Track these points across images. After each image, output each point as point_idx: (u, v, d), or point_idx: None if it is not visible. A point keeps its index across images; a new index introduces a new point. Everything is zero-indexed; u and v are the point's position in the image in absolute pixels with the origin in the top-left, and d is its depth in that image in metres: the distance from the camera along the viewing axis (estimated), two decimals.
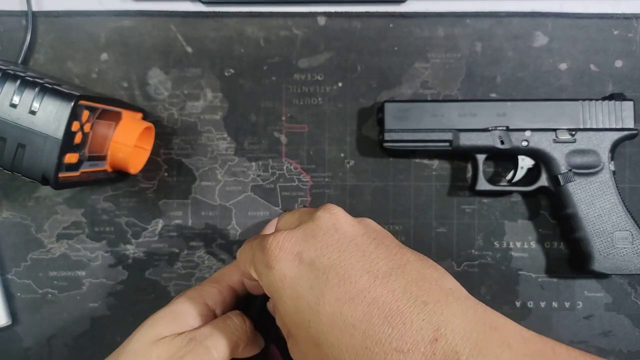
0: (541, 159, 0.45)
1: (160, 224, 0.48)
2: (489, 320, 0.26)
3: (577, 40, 0.48)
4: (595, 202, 0.44)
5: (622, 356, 0.47)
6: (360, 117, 0.48)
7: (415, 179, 0.48)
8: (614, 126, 0.44)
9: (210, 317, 0.35)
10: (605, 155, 0.44)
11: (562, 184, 0.44)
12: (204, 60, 0.48)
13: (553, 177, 0.45)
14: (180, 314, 0.34)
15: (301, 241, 0.29)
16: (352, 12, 0.48)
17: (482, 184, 0.46)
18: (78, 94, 0.35)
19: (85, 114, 0.37)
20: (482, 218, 0.48)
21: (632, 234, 0.44)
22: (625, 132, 0.44)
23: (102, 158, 0.42)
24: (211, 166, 0.48)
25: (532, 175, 0.46)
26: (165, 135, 0.48)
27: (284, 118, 0.48)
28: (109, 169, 0.44)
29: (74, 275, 0.47)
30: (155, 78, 0.48)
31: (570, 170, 0.44)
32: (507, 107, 0.45)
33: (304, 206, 0.48)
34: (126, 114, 0.44)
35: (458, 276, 0.47)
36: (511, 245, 0.48)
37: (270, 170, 0.48)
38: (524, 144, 0.45)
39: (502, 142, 0.45)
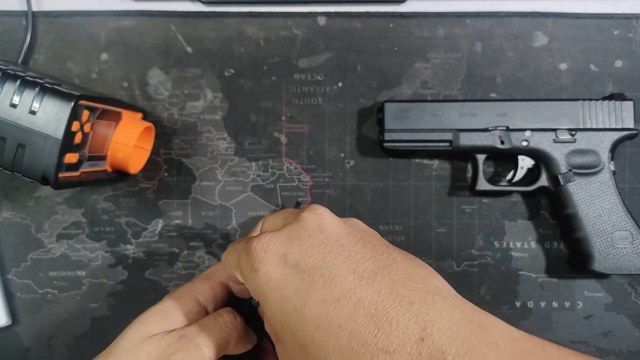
0: (541, 159, 0.45)
1: (160, 224, 0.48)
2: (476, 319, 0.25)
3: (577, 40, 0.48)
4: (595, 202, 0.44)
5: (622, 356, 0.47)
6: (360, 117, 0.48)
7: (415, 179, 0.48)
8: (614, 126, 0.44)
9: (201, 314, 0.35)
10: (605, 155, 0.44)
11: (562, 184, 0.44)
12: (204, 60, 0.48)
13: (553, 177, 0.45)
14: (171, 312, 0.34)
15: (286, 243, 0.29)
16: (352, 12, 0.48)
17: (482, 184, 0.46)
18: (78, 93, 0.35)
19: (85, 114, 0.37)
20: (482, 218, 0.48)
21: (632, 234, 0.44)
22: (625, 132, 0.44)
23: (102, 158, 0.42)
24: (211, 166, 0.48)
25: (532, 175, 0.46)
26: (165, 135, 0.48)
27: (284, 118, 0.48)
28: (109, 169, 0.44)
29: (74, 275, 0.47)
30: (155, 78, 0.48)
31: (570, 170, 0.44)
32: (507, 107, 0.45)
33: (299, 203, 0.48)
34: (126, 114, 0.44)
35: (458, 276, 0.47)
36: (511, 245, 0.48)
37: (270, 170, 0.48)
38: (524, 144, 0.45)
39: (502, 142, 0.45)
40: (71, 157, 0.37)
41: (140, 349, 0.32)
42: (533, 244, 0.48)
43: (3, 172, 0.38)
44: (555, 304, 0.47)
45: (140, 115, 0.46)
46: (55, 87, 0.35)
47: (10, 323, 0.47)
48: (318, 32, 0.48)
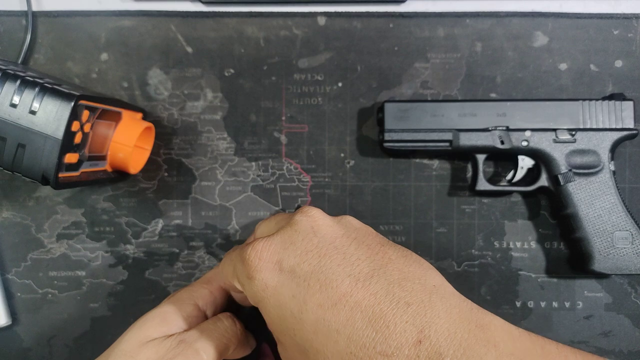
0: (541, 159, 0.45)
1: (160, 224, 0.48)
2: (474, 318, 0.25)
3: (577, 40, 0.48)
4: (595, 202, 0.44)
5: (622, 356, 0.47)
6: (360, 117, 0.48)
7: (415, 179, 0.48)
8: (614, 126, 0.44)
9: (200, 318, 0.35)
10: (605, 155, 0.44)
11: (562, 184, 0.44)
12: (204, 60, 0.48)
13: (553, 177, 0.45)
14: (170, 316, 0.34)
15: (280, 249, 0.29)
16: (352, 12, 0.48)
17: (482, 184, 0.46)
18: (78, 93, 0.35)
19: (85, 113, 0.37)
20: (482, 218, 0.48)
21: (632, 234, 0.44)
22: (625, 132, 0.44)
23: (102, 158, 0.42)
24: (211, 166, 0.48)
25: (532, 175, 0.46)
26: (165, 135, 0.48)
27: (284, 118, 0.48)
28: (109, 169, 0.44)
29: (74, 275, 0.47)
30: (155, 78, 0.48)
31: (570, 170, 0.44)
32: (507, 107, 0.45)
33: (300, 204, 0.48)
34: (126, 114, 0.44)
35: (458, 276, 0.47)
36: (511, 245, 0.48)
37: (270, 170, 0.48)
38: (524, 144, 0.45)
39: (502, 142, 0.45)
40: (71, 157, 0.37)
41: (139, 353, 0.32)
42: (533, 244, 0.48)
43: (3, 172, 0.38)
44: (555, 304, 0.47)
45: (140, 115, 0.46)
46: (55, 87, 0.35)
47: (10, 323, 0.47)
48: (318, 32, 0.48)
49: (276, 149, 0.48)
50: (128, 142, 0.42)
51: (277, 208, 0.48)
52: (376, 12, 0.48)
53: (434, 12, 0.48)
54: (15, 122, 0.35)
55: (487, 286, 0.47)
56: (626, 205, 0.44)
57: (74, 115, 0.35)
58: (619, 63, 0.48)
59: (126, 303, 0.47)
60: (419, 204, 0.48)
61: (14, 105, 0.35)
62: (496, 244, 0.48)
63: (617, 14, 0.47)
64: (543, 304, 0.47)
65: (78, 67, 0.48)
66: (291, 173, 0.48)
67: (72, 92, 0.35)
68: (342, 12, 0.48)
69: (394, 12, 0.48)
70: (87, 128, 0.38)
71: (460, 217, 0.48)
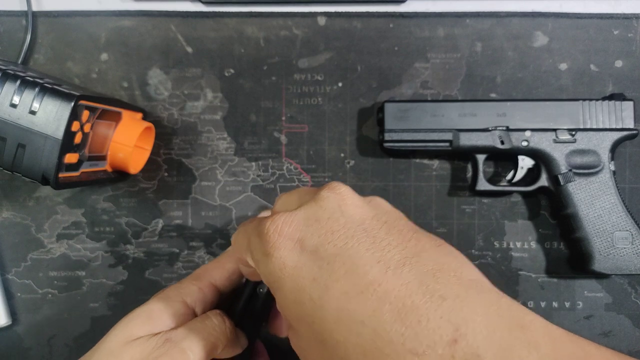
0: (541, 159, 0.45)
1: (160, 224, 0.48)
2: (515, 317, 0.22)
3: (577, 40, 0.48)
4: (595, 202, 0.44)
5: None
6: (360, 117, 0.48)
7: (415, 179, 0.48)
8: (614, 126, 0.44)
9: (189, 316, 0.34)
10: (605, 155, 0.44)
11: (562, 184, 0.44)
12: (204, 60, 0.48)
13: (553, 177, 0.45)
14: (156, 314, 0.33)
15: (303, 226, 0.26)
16: (352, 12, 0.48)
17: (482, 184, 0.46)
18: (78, 94, 0.35)
19: (85, 114, 0.37)
20: (482, 218, 0.48)
21: (632, 234, 0.44)
22: (626, 132, 0.44)
23: (102, 158, 0.42)
24: (211, 166, 0.48)
25: (532, 175, 0.46)
26: (165, 135, 0.48)
27: (284, 118, 0.48)
28: (109, 169, 0.44)
29: (74, 275, 0.47)
30: (155, 78, 0.48)
31: (570, 170, 0.44)
32: (507, 107, 0.45)
33: None
34: (126, 114, 0.44)
35: None
36: (511, 245, 0.48)
37: (270, 170, 0.48)
38: (524, 144, 0.45)
39: (502, 142, 0.45)
40: (71, 157, 0.37)
41: (123, 352, 0.30)
42: (533, 244, 0.48)
43: (3, 172, 0.38)
44: (555, 304, 0.47)
45: (140, 115, 0.46)
46: (55, 87, 0.35)
47: (10, 323, 0.47)
48: (318, 32, 0.48)
49: (276, 149, 0.48)
50: (128, 142, 0.42)
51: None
52: (376, 12, 0.48)
53: (434, 12, 0.48)
54: (15, 122, 0.35)
55: None
56: (626, 205, 0.44)
57: (74, 116, 0.35)
58: (619, 63, 0.48)
59: (126, 303, 0.47)
60: (419, 204, 0.48)
61: (14, 106, 0.35)
62: (496, 244, 0.48)
63: (617, 14, 0.47)
64: (543, 304, 0.47)
65: (78, 67, 0.48)
66: (291, 173, 0.48)
67: (72, 92, 0.35)
68: (342, 12, 0.48)
69: (394, 12, 0.48)
70: (87, 128, 0.38)
71: (460, 217, 0.48)
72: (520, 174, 0.46)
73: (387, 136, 0.45)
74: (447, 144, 0.45)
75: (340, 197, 0.27)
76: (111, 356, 0.31)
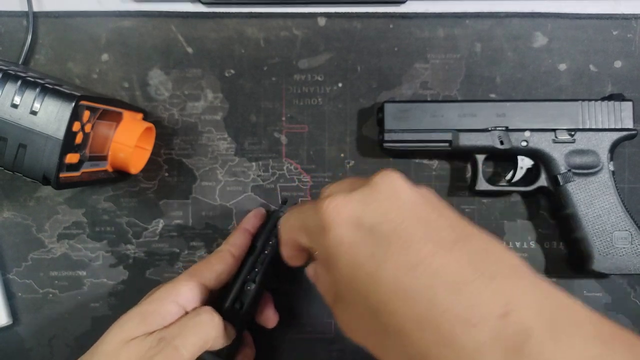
0: (540, 159, 0.45)
1: (160, 224, 0.48)
2: (559, 298, 0.24)
3: (576, 41, 0.48)
4: (594, 202, 0.44)
5: None
6: (360, 118, 0.48)
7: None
8: (613, 126, 0.44)
9: (181, 314, 0.36)
10: (604, 155, 0.44)
11: (561, 184, 0.44)
12: (204, 60, 0.48)
13: (552, 177, 0.45)
14: (150, 314, 0.34)
15: (361, 205, 0.28)
16: (352, 13, 0.48)
17: (482, 184, 0.46)
18: (79, 94, 0.35)
19: (86, 114, 0.38)
20: (481, 218, 0.48)
21: (631, 234, 0.44)
22: (625, 133, 0.44)
23: (103, 158, 0.42)
24: (211, 166, 0.48)
25: (531, 175, 0.46)
26: (165, 135, 0.48)
27: (284, 118, 0.48)
28: (110, 169, 0.44)
29: (74, 275, 0.47)
30: (155, 78, 0.48)
31: (569, 170, 0.44)
32: (507, 108, 0.45)
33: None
34: (127, 115, 0.44)
35: None
36: (511, 245, 0.48)
37: (270, 171, 0.48)
38: (524, 144, 0.45)
39: (501, 143, 0.45)
40: (72, 157, 0.37)
41: (120, 352, 0.32)
42: (532, 244, 0.48)
43: (4, 172, 0.38)
44: None
45: (140, 115, 0.46)
46: (56, 87, 0.35)
47: (11, 323, 0.47)
48: (318, 32, 0.48)
49: (276, 149, 0.48)
50: (129, 143, 0.42)
51: (274, 207, 0.48)
52: (376, 13, 0.48)
53: (434, 13, 0.48)
54: (16, 122, 0.35)
55: None
56: (625, 205, 0.44)
57: (75, 116, 0.35)
58: (618, 63, 0.48)
59: (127, 303, 0.47)
60: None
61: (15, 106, 0.35)
62: None
63: (616, 14, 0.48)
64: None
65: (79, 67, 0.48)
66: (291, 173, 0.48)
67: (72, 92, 0.36)
68: (342, 13, 0.48)
69: (394, 13, 0.48)
70: (88, 128, 0.38)
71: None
72: (519, 174, 0.46)
73: (387, 136, 0.45)
74: (447, 144, 0.45)
75: (395, 182, 0.29)
76: (109, 357, 0.32)
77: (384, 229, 0.27)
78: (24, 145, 0.35)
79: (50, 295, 0.47)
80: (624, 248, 0.44)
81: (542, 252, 0.48)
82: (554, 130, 0.45)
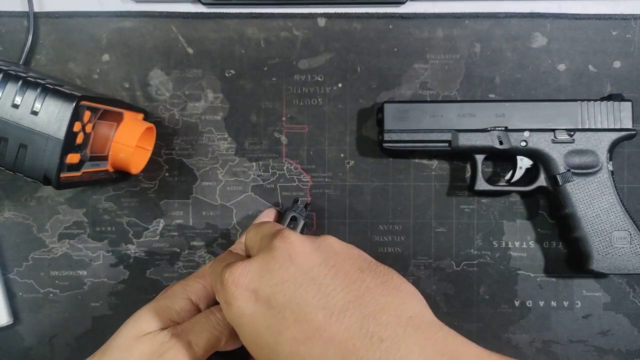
0: (540, 159, 0.45)
1: (161, 223, 0.48)
2: (449, 351, 0.25)
3: (575, 41, 0.48)
4: (593, 202, 0.44)
5: (621, 355, 0.47)
6: (360, 118, 0.48)
7: (414, 179, 0.48)
8: (612, 126, 0.45)
9: (194, 312, 0.36)
10: (603, 155, 0.44)
11: (560, 184, 0.45)
12: (204, 61, 0.48)
13: (551, 177, 0.45)
14: (164, 310, 0.35)
15: (257, 277, 0.29)
16: (352, 14, 0.48)
17: (481, 184, 0.46)
18: (79, 94, 0.36)
19: (87, 114, 0.38)
20: (481, 218, 0.48)
21: (630, 234, 0.44)
22: (624, 133, 0.44)
23: (104, 158, 0.42)
24: (212, 166, 0.48)
25: (530, 175, 0.46)
26: (166, 135, 0.48)
27: (284, 118, 0.48)
28: (111, 169, 0.44)
29: (75, 275, 0.48)
30: (156, 79, 0.48)
31: (568, 170, 0.44)
32: (506, 108, 0.45)
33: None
34: (127, 115, 0.44)
35: (457, 276, 0.48)
36: (510, 245, 0.48)
37: (270, 171, 0.48)
38: (523, 144, 0.45)
39: (500, 143, 0.45)
40: (73, 158, 0.37)
41: (133, 347, 0.33)
42: (532, 244, 0.48)
43: (5, 172, 0.38)
44: (553, 304, 0.48)
45: (141, 115, 0.47)
46: (56, 87, 0.36)
47: (11, 322, 0.47)
48: (318, 33, 0.48)
49: (276, 149, 0.48)
50: (129, 143, 0.42)
51: (277, 208, 0.48)
52: (376, 14, 0.48)
53: (433, 13, 0.48)
54: (17, 122, 0.35)
55: (486, 286, 0.48)
56: (624, 205, 0.44)
57: (76, 116, 0.36)
58: (617, 64, 0.48)
59: (127, 302, 0.48)
60: (418, 203, 0.48)
61: (15, 106, 0.35)
62: (495, 243, 0.48)
63: (615, 14, 0.48)
64: (542, 304, 0.48)
65: (79, 67, 0.48)
66: (291, 173, 0.48)
67: (73, 92, 0.36)
68: (342, 14, 0.48)
69: (393, 14, 0.48)
70: (88, 128, 0.39)
71: (459, 217, 0.48)
72: (518, 174, 0.46)
73: (387, 136, 0.45)
74: (446, 144, 0.45)
75: (291, 246, 0.30)
76: (122, 351, 0.33)
77: (278, 301, 0.28)
78: (24, 146, 0.35)
79: (51, 294, 0.48)
80: (623, 248, 0.44)
81: (541, 252, 0.48)
82: (553, 130, 0.45)
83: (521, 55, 0.48)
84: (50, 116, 0.35)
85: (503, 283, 0.48)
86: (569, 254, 0.47)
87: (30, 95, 0.35)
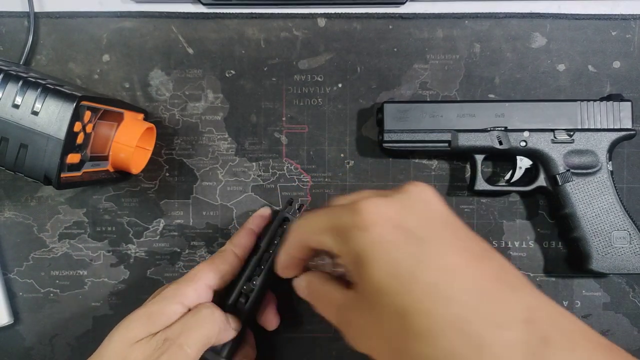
0: (539, 159, 0.45)
1: (161, 223, 0.48)
2: (567, 315, 0.27)
3: (575, 41, 0.48)
4: (593, 202, 0.44)
5: None
6: (360, 118, 0.48)
7: (414, 179, 0.48)
8: (611, 127, 0.45)
9: (184, 314, 0.36)
10: (603, 155, 0.44)
11: (560, 184, 0.45)
12: (205, 61, 0.48)
13: (551, 177, 0.45)
14: (155, 315, 0.35)
15: (400, 209, 0.29)
16: (351, 14, 0.48)
17: (481, 184, 0.46)
18: (80, 94, 0.36)
19: (87, 114, 0.38)
20: (480, 218, 0.48)
21: (629, 234, 0.44)
22: (623, 133, 0.45)
23: (104, 158, 0.43)
24: (212, 166, 0.48)
25: (530, 175, 0.46)
26: (166, 135, 0.48)
27: (284, 119, 0.48)
28: (111, 169, 0.44)
29: (75, 275, 0.48)
30: (156, 79, 0.48)
31: (568, 170, 0.45)
32: (506, 108, 0.45)
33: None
34: (128, 115, 0.44)
35: None
36: (510, 245, 0.48)
37: (270, 171, 0.48)
38: (522, 144, 0.45)
39: (500, 143, 0.45)
40: (73, 158, 0.38)
41: (128, 355, 0.33)
42: (531, 244, 0.48)
43: (5, 172, 0.38)
44: None
45: (141, 115, 0.47)
46: (57, 87, 0.36)
47: (12, 322, 0.47)
48: (318, 33, 0.48)
49: (276, 150, 0.48)
50: (130, 143, 0.42)
51: (277, 208, 0.48)
52: (376, 14, 0.48)
53: (433, 14, 0.48)
54: (18, 122, 0.35)
55: None
56: (624, 205, 0.44)
57: (76, 116, 0.36)
58: (617, 64, 0.48)
59: (128, 302, 0.48)
60: None
61: (16, 106, 0.35)
62: (495, 243, 0.48)
63: (615, 15, 0.48)
64: None
65: (80, 68, 0.48)
66: (291, 173, 0.48)
67: (74, 92, 0.36)
68: (341, 14, 0.48)
69: (393, 14, 0.48)
70: (89, 129, 0.39)
71: (459, 216, 0.48)
72: (518, 174, 0.46)
73: (387, 137, 0.45)
74: (446, 144, 0.45)
75: (426, 192, 0.31)
76: (117, 359, 0.33)
77: (424, 233, 0.28)
78: (25, 146, 0.35)
79: (52, 294, 0.48)
80: (622, 248, 0.44)
81: (541, 252, 0.48)
82: (552, 130, 0.45)
83: (521, 56, 0.48)
84: (50, 116, 0.35)
85: None
86: (568, 253, 0.47)
87: (31, 95, 0.35)
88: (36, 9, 0.48)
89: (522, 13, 0.48)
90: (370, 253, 0.28)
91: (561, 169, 0.45)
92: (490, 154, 0.46)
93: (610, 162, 0.45)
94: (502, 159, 0.48)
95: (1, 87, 0.35)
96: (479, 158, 0.46)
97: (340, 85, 0.48)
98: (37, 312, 0.48)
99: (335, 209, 0.31)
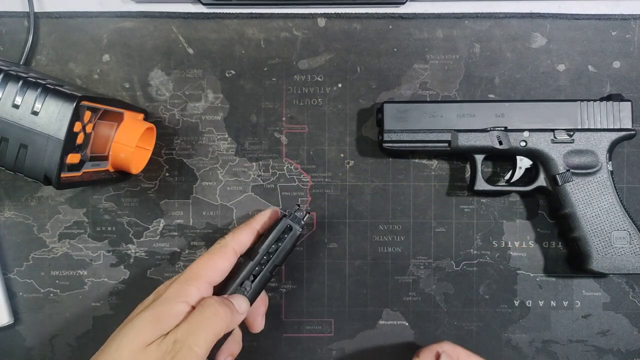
0: (539, 159, 0.45)
1: (161, 223, 0.48)
2: None
3: (575, 41, 0.48)
4: (593, 202, 0.44)
5: (620, 355, 0.47)
6: (360, 118, 0.48)
7: (414, 179, 0.48)
8: (611, 126, 0.45)
9: (190, 312, 0.36)
10: (603, 155, 0.44)
11: (560, 184, 0.45)
12: (205, 61, 0.48)
13: (551, 177, 0.45)
14: (164, 317, 0.35)
15: None
16: (351, 14, 0.48)
17: (481, 184, 0.46)
18: (80, 94, 0.36)
19: (87, 114, 0.38)
20: (480, 218, 0.48)
21: (629, 234, 0.44)
22: (623, 133, 0.45)
23: (104, 158, 0.43)
24: (212, 166, 0.48)
25: (530, 175, 0.46)
26: (166, 135, 0.48)
27: (284, 119, 0.48)
28: (111, 169, 0.44)
29: (75, 275, 0.48)
30: (156, 79, 0.48)
31: (568, 170, 0.45)
32: (506, 108, 0.45)
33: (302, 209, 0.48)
34: (128, 115, 0.44)
35: (457, 275, 0.48)
36: (509, 245, 0.48)
37: (270, 171, 0.48)
38: (522, 144, 0.45)
39: (500, 143, 0.45)
40: (73, 158, 0.38)
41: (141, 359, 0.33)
42: (531, 244, 0.48)
43: (5, 172, 0.38)
44: (553, 303, 0.48)
45: (141, 115, 0.47)
46: (57, 87, 0.36)
47: (12, 322, 0.47)
48: (318, 33, 0.48)
49: (276, 150, 0.48)
50: (130, 143, 0.42)
51: (277, 208, 0.48)
52: (376, 14, 0.48)
53: (433, 14, 0.48)
54: (18, 122, 0.35)
55: (486, 285, 0.48)
56: (624, 205, 0.44)
57: (76, 116, 0.36)
58: (617, 64, 0.48)
59: (128, 302, 0.48)
60: (418, 203, 0.48)
61: (16, 106, 0.35)
62: (495, 243, 0.48)
63: (615, 15, 0.48)
64: (541, 303, 0.48)
65: (80, 68, 0.48)
66: (291, 173, 0.48)
67: (74, 92, 0.36)
68: (341, 14, 0.48)
69: (393, 14, 0.48)
70: (89, 128, 0.39)
71: (459, 216, 0.48)
72: (518, 174, 0.46)
73: (387, 137, 0.45)
74: (446, 144, 0.45)
75: None
76: None
77: None
78: (25, 146, 0.35)
79: (52, 294, 0.48)
80: (622, 248, 0.44)
81: (541, 252, 0.48)
82: (552, 130, 0.45)
83: (521, 56, 0.48)
84: (50, 116, 0.35)
85: (503, 283, 0.48)
86: (568, 253, 0.47)
87: (31, 95, 0.35)
88: (36, 9, 0.48)
89: (522, 13, 0.48)
90: None
91: (561, 169, 0.45)
92: (490, 154, 0.46)
93: (610, 162, 0.45)
94: (502, 159, 0.48)
95: (1, 87, 0.35)
96: (479, 158, 0.46)
97: (340, 85, 0.48)
98: (37, 312, 0.48)
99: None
